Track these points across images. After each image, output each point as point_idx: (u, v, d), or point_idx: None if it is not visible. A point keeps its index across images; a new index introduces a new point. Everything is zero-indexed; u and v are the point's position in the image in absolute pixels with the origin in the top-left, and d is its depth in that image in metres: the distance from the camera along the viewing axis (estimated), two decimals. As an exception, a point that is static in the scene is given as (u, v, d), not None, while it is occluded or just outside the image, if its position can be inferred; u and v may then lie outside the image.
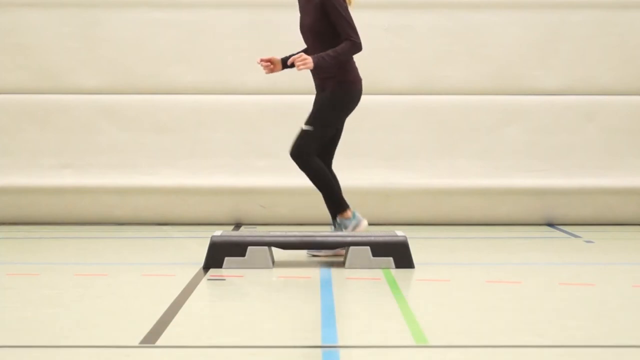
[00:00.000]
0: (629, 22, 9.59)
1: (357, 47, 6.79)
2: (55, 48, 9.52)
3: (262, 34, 9.35)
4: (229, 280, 6.21)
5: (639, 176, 9.52)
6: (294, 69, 6.79)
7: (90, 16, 9.55)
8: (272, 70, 6.95)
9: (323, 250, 6.88)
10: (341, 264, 6.70)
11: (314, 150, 6.85)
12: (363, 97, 9.52)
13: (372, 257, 6.57)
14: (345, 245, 6.65)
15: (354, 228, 6.89)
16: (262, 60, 6.92)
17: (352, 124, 9.49)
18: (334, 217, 6.97)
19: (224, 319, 5.10)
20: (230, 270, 6.49)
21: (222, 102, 9.56)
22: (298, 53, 6.85)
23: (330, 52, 6.67)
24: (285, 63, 6.89)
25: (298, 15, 7.05)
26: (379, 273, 6.38)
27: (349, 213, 6.91)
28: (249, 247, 6.57)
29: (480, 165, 9.52)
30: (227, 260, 6.56)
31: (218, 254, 6.58)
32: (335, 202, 6.90)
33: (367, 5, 9.57)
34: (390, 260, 6.58)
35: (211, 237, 6.65)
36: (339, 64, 6.77)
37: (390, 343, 4.50)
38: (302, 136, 6.85)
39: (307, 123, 6.87)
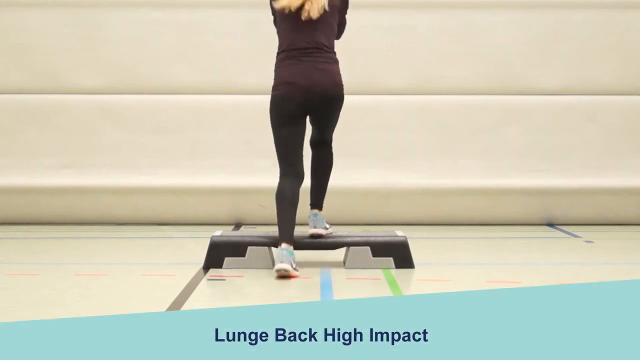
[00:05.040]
0: (629, 22, 9.60)
1: None
2: (55, 48, 9.52)
3: (262, 34, 9.34)
4: (229, 280, 6.21)
5: (639, 176, 9.53)
6: None
7: (90, 16, 9.55)
8: None
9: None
10: (341, 264, 6.70)
11: (285, 169, 6.55)
12: (363, 97, 9.60)
13: (372, 257, 6.57)
14: (346, 245, 6.64)
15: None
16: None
17: (352, 124, 9.54)
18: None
19: (224, 319, 5.10)
20: (230, 270, 6.50)
21: (222, 102, 9.56)
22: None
23: None
24: None
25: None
26: (379, 273, 6.38)
27: (283, 245, 6.26)
28: (249, 247, 6.57)
29: (480, 165, 9.52)
30: (227, 260, 6.56)
31: (218, 254, 6.58)
32: (279, 228, 6.39)
33: (367, 5, 9.58)
34: (390, 260, 6.58)
35: (211, 237, 6.65)
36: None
37: (390, 343, 4.49)
38: None
39: None
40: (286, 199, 6.45)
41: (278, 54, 6.59)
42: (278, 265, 6.12)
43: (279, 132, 6.49)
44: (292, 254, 6.24)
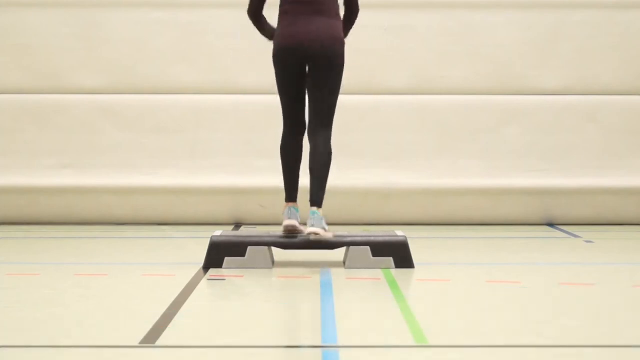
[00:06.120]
0: (629, 22, 9.59)
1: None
2: (55, 48, 9.52)
3: (262, 34, 9.33)
4: (229, 280, 6.21)
5: (639, 176, 9.53)
6: None
7: (90, 16, 9.55)
8: None
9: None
10: (341, 264, 6.69)
11: (286, 120, 6.70)
12: (363, 97, 9.60)
13: (372, 257, 6.57)
14: (346, 245, 6.64)
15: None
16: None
17: (352, 123, 9.54)
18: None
19: (224, 319, 5.10)
20: (230, 270, 6.49)
21: (222, 102, 9.56)
22: None
23: None
24: None
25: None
26: (379, 273, 6.38)
27: (289, 204, 6.66)
28: (249, 247, 6.57)
29: (480, 165, 9.52)
30: (227, 260, 6.56)
31: (218, 254, 6.58)
32: (285, 187, 6.73)
33: (367, 5, 9.53)
34: (390, 260, 6.58)
35: (211, 237, 6.65)
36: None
37: (390, 343, 4.50)
38: None
39: None
40: (290, 154, 6.71)
41: (280, 6, 6.74)
42: (287, 222, 6.53)
43: (281, 84, 6.68)
44: (297, 210, 6.62)
